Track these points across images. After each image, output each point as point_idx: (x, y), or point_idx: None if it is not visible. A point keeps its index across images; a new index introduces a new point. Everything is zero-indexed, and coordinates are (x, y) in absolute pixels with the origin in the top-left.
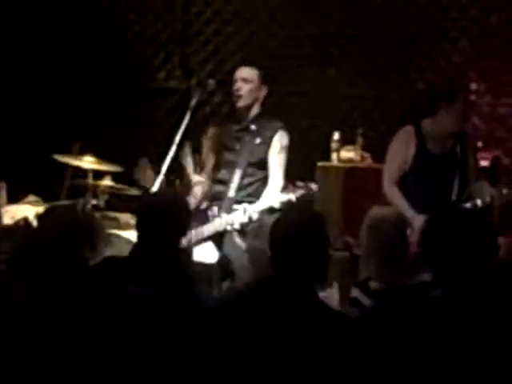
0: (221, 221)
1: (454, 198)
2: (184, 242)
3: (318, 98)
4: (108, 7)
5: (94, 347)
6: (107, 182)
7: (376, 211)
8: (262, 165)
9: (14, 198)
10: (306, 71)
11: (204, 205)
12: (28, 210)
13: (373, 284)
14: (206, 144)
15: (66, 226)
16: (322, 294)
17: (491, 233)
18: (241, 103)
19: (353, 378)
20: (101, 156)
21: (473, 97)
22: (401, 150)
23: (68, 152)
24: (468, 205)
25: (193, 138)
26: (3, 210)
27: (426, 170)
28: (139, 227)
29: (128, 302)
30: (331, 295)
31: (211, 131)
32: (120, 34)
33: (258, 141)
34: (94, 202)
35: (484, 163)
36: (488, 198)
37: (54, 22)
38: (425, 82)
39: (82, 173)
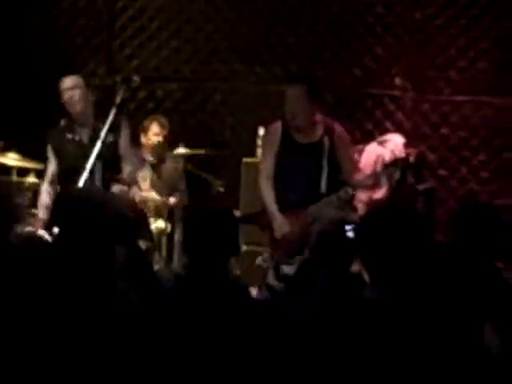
0: None
1: (323, 188)
2: None
3: (243, 95)
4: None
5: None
6: (31, 179)
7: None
8: None
9: None
10: (232, 66)
11: None
12: None
13: (285, 268)
14: None
15: None
16: None
17: (426, 231)
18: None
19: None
20: (24, 153)
21: (397, 92)
22: (270, 144)
23: None
24: (333, 197)
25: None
26: None
27: (292, 157)
28: None
29: None
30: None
31: None
32: (44, 28)
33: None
34: (17, 199)
35: (409, 158)
36: (350, 190)
37: None
38: (350, 78)
39: (5, 170)
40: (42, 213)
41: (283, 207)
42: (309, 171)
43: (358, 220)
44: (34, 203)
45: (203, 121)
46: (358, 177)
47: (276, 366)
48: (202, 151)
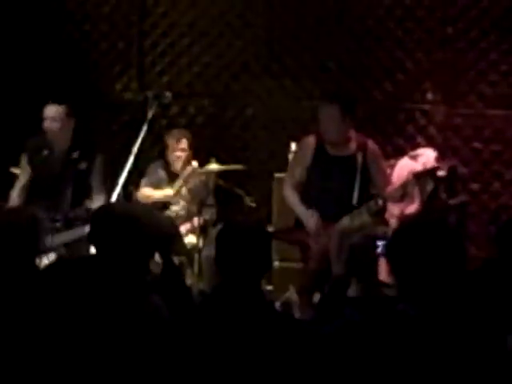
0: None
1: (354, 202)
2: None
3: (275, 109)
4: (65, 17)
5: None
6: None
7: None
8: None
9: None
10: (263, 81)
11: None
12: None
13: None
14: None
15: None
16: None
17: (458, 245)
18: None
19: None
20: None
21: (428, 107)
22: (302, 157)
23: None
24: (363, 208)
25: (149, 149)
26: None
27: (325, 169)
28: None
29: None
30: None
31: None
32: (76, 44)
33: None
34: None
35: (441, 172)
36: (380, 201)
37: (12, 32)
38: (381, 92)
39: None
40: None
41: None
42: (342, 184)
43: (389, 234)
44: None
45: (235, 136)
46: (389, 189)
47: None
48: (233, 167)
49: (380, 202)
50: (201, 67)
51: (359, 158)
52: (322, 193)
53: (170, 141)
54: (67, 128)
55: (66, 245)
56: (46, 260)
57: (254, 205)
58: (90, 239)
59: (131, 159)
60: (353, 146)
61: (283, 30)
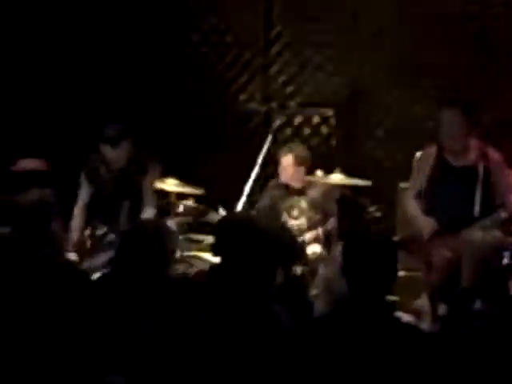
0: None
1: (476, 212)
2: None
3: (399, 118)
4: (191, 28)
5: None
6: (190, 203)
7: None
8: None
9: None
10: (387, 90)
11: None
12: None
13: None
14: None
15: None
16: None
17: None
18: None
19: None
20: (181, 177)
21: None
22: (423, 167)
23: None
24: (486, 220)
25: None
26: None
27: (446, 180)
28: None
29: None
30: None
31: None
32: (202, 56)
33: None
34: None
35: None
36: (503, 213)
37: (133, 48)
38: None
39: (164, 194)
40: (74, 235)
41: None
42: (462, 195)
43: None
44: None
45: (359, 145)
46: None
47: None
48: (358, 182)
49: (503, 214)
50: (325, 76)
51: (480, 167)
52: (442, 204)
53: (279, 158)
54: (123, 148)
55: None
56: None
57: (379, 215)
58: (214, 250)
59: (256, 169)
60: (473, 155)
61: (412, 42)
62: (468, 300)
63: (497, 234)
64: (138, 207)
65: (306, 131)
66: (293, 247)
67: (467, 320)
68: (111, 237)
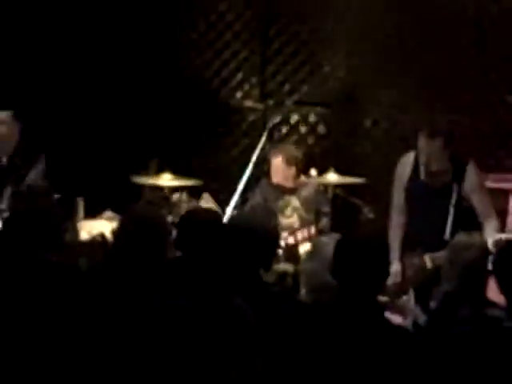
0: None
1: (447, 234)
2: None
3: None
4: (190, 24)
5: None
6: (184, 197)
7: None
8: None
9: (91, 214)
10: (386, 93)
11: None
12: (104, 226)
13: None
14: None
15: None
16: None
17: None
18: None
19: None
20: (177, 172)
21: None
22: (400, 177)
23: (145, 169)
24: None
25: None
26: (80, 225)
27: (419, 195)
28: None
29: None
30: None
31: None
32: (198, 52)
33: None
34: (170, 218)
35: None
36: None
37: (139, 48)
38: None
39: (159, 188)
40: None
41: (406, 244)
42: (435, 215)
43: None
44: None
45: (355, 146)
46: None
47: None
48: (351, 180)
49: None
50: (322, 76)
51: (455, 187)
52: (415, 221)
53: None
54: (11, 135)
55: None
56: None
57: (372, 216)
58: (175, 244)
59: (250, 167)
60: (449, 175)
61: (412, 41)
62: (453, 304)
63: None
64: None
65: (302, 130)
66: (268, 246)
67: (453, 324)
68: None
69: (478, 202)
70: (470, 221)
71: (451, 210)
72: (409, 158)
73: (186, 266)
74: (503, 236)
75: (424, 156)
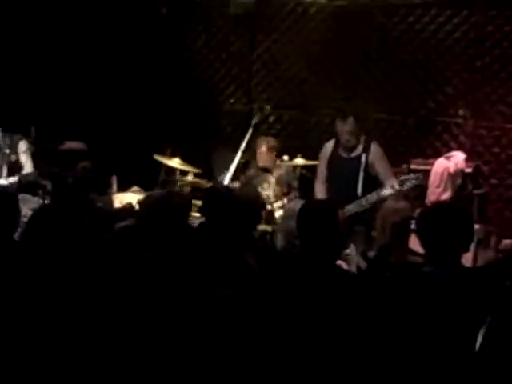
0: None
1: (359, 192)
2: None
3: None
4: (194, 51)
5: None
6: (190, 178)
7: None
8: None
9: (122, 188)
10: (343, 94)
11: None
12: (132, 197)
13: (370, 253)
14: None
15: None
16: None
17: (470, 222)
18: None
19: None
20: (185, 159)
21: (460, 120)
22: (322, 158)
23: (162, 153)
24: (371, 195)
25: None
26: (114, 196)
27: (337, 168)
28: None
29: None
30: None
31: None
32: (203, 71)
33: None
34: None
35: (468, 170)
36: (387, 191)
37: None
38: (426, 108)
39: (172, 170)
40: None
41: None
42: (350, 179)
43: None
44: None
45: (317, 138)
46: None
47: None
48: (312, 162)
49: (386, 190)
50: (294, 86)
51: (363, 158)
52: (335, 186)
53: (256, 146)
54: None
55: None
56: None
57: None
58: (200, 211)
59: (239, 154)
60: (359, 149)
61: (355, 64)
62: (385, 254)
63: (405, 204)
64: None
65: (277, 127)
66: (257, 212)
67: (385, 269)
68: None
69: (380, 167)
70: (372, 181)
71: (361, 174)
72: (329, 143)
73: (208, 229)
74: (397, 186)
75: (342, 135)
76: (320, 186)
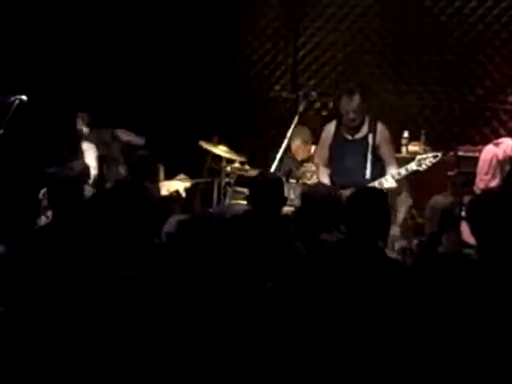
0: None
1: (367, 175)
2: None
3: (392, 105)
4: (239, 36)
5: None
6: (236, 165)
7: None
8: None
9: (169, 176)
10: (383, 84)
11: None
12: (179, 185)
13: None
14: None
15: None
16: None
17: None
18: None
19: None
20: (231, 147)
21: (509, 107)
22: (325, 138)
23: (208, 141)
24: (376, 183)
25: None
26: (161, 184)
27: (342, 149)
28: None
29: None
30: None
31: None
32: (248, 56)
33: None
34: (226, 179)
35: None
36: (387, 183)
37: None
38: (474, 95)
39: (218, 158)
40: None
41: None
42: (356, 162)
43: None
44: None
45: None
46: None
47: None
48: None
49: (393, 172)
50: (337, 74)
51: (370, 139)
52: (341, 169)
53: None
54: None
55: None
56: None
57: None
58: (248, 199)
59: (286, 142)
60: (365, 129)
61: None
62: (435, 243)
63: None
64: None
65: (324, 112)
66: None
67: (434, 258)
68: None
69: (386, 150)
70: (381, 164)
71: (369, 156)
72: (331, 124)
73: (255, 217)
74: (395, 173)
75: (347, 113)
76: (323, 169)
